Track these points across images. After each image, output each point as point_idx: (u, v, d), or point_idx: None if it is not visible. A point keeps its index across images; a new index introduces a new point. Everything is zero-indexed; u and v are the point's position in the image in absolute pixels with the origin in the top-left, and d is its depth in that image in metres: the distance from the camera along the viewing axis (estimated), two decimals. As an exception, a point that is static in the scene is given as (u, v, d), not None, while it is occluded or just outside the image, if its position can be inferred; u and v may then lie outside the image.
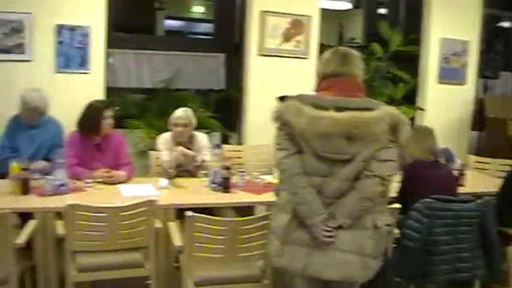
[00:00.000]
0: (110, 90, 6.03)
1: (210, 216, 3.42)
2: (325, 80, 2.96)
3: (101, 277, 3.72)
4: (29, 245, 3.61)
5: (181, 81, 6.57)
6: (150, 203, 3.58)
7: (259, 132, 6.34)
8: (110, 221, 3.49)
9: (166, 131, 5.02)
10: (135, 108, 6.24)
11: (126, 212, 3.52)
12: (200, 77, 6.75)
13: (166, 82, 6.41)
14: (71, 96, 5.50)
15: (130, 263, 3.73)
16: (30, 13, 5.53)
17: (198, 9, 12.21)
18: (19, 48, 5.54)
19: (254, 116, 6.44)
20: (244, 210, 4.70)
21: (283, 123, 2.86)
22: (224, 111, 6.60)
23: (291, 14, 6.44)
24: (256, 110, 6.42)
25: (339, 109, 2.73)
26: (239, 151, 6.00)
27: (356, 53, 3.02)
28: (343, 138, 2.71)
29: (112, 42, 6.00)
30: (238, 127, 6.67)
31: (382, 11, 9.16)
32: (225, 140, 6.62)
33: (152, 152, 5.24)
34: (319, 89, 2.98)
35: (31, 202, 3.91)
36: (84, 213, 3.45)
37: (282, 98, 3.09)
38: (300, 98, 2.86)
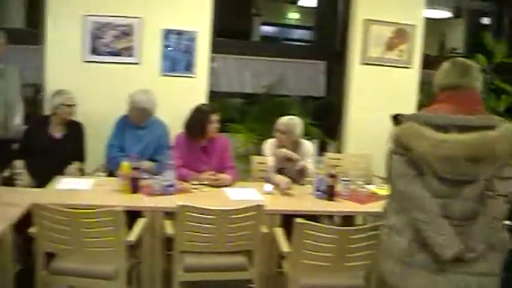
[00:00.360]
0: (212, 94, 6.10)
1: (319, 224, 3.40)
2: (442, 91, 2.85)
3: (205, 278, 3.76)
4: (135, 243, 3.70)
5: (281, 87, 6.60)
6: (258, 207, 3.59)
7: (358, 141, 6.31)
8: (219, 224, 3.53)
9: (268, 136, 5.04)
10: (235, 113, 6.31)
11: (235, 215, 3.55)
12: (300, 83, 6.76)
13: (268, 88, 6.45)
14: (175, 99, 5.63)
15: (235, 265, 3.75)
16: (140, 17, 5.70)
17: (293, 16, 12.23)
18: (128, 51, 5.73)
19: (354, 125, 6.38)
20: (345, 219, 4.69)
21: (401, 146, 2.76)
22: (323, 118, 6.57)
23: (394, 22, 6.35)
24: (357, 119, 6.36)
25: (460, 129, 2.63)
26: (338, 159, 5.94)
27: (476, 64, 2.90)
28: (467, 160, 2.61)
29: (215, 47, 6.07)
30: (337, 135, 6.61)
31: (485, 20, 8.89)
32: (323, 148, 6.59)
33: (254, 156, 5.27)
34: (436, 101, 2.88)
35: (141, 201, 4.03)
36: (194, 214, 3.50)
37: (395, 117, 2.98)
38: (417, 118, 2.74)
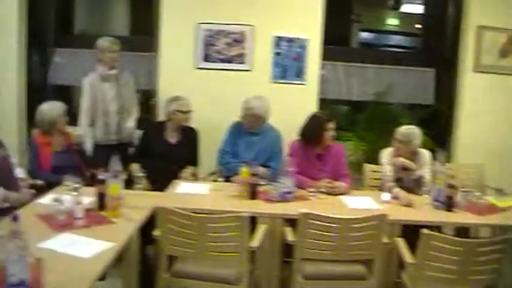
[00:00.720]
0: (320, 101, 6.10)
1: (447, 236, 3.34)
2: None
3: (323, 286, 3.74)
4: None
5: (389, 94, 6.50)
6: (381, 217, 3.55)
7: (469, 150, 6.14)
8: (341, 232, 3.50)
9: (377, 144, 4.99)
10: (343, 120, 6.27)
11: (358, 224, 3.52)
12: (408, 91, 6.64)
13: (376, 95, 6.38)
14: (285, 106, 5.66)
15: (354, 274, 3.72)
16: (252, 25, 5.79)
17: (392, 22, 12.08)
18: (240, 58, 5.83)
19: (465, 134, 6.21)
20: (459, 230, 4.57)
21: None
22: (431, 127, 6.42)
23: (508, 29, 6.14)
24: (468, 128, 6.19)
25: None
26: (449, 169, 5.79)
27: None
28: None
29: (323, 54, 6.06)
30: (446, 144, 6.45)
31: None
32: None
33: (367, 165, 5.22)
34: None
35: (260, 207, 4.05)
36: (317, 222, 3.49)
37: None
38: None
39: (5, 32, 5.97)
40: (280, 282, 4.05)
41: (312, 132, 4.70)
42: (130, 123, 5.41)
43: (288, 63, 5.84)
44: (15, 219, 2.37)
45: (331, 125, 4.67)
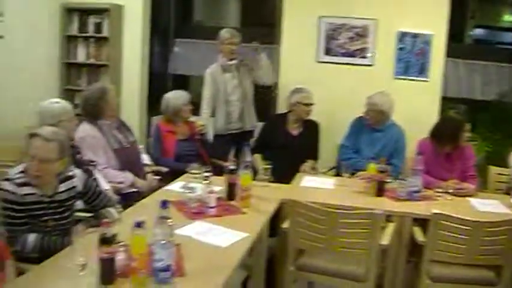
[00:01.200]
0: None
1: None
2: None
3: (451, 290, 3.67)
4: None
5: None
6: (516, 222, 3.44)
7: None
8: (473, 235, 3.40)
9: (502, 145, 4.82)
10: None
11: (490, 228, 3.40)
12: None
13: (500, 95, 6.18)
14: (407, 102, 5.55)
15: (483, 280, 3.60)
16: (375, 19, 5.73)
17: (508, 18, 11.66)
18: (362, 52, 5.78)
19: None
20: None
21: None
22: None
23: None
24: None
25: None
26: None
27: None
28: None
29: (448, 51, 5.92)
30: None
31: None
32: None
33: (493, 167, 5.05)
34: None
35: (387, 204, 3.99)
36: (449, 223, 3.41)
37: None
38: None
39: (131, 23, 6.21)
40: (403, 282, 3.99)
41: (450, 133, 4.52)
42: (252, 113, 5.55)
43: (411, 59, 5.74)
44: (164, 205, 2.45)
45: (467, 127, 4.56)
